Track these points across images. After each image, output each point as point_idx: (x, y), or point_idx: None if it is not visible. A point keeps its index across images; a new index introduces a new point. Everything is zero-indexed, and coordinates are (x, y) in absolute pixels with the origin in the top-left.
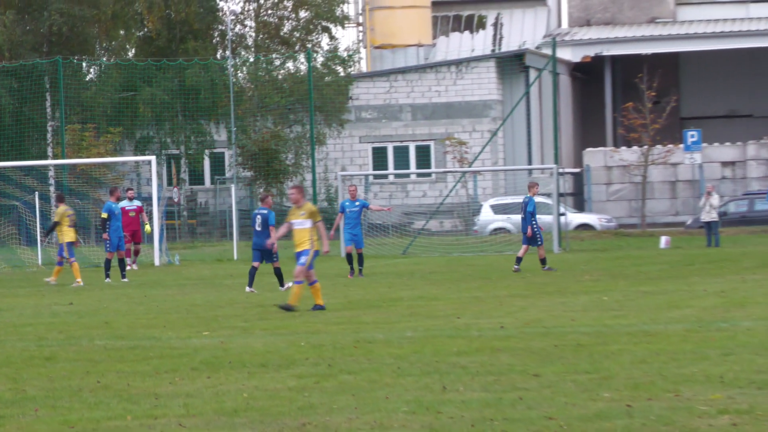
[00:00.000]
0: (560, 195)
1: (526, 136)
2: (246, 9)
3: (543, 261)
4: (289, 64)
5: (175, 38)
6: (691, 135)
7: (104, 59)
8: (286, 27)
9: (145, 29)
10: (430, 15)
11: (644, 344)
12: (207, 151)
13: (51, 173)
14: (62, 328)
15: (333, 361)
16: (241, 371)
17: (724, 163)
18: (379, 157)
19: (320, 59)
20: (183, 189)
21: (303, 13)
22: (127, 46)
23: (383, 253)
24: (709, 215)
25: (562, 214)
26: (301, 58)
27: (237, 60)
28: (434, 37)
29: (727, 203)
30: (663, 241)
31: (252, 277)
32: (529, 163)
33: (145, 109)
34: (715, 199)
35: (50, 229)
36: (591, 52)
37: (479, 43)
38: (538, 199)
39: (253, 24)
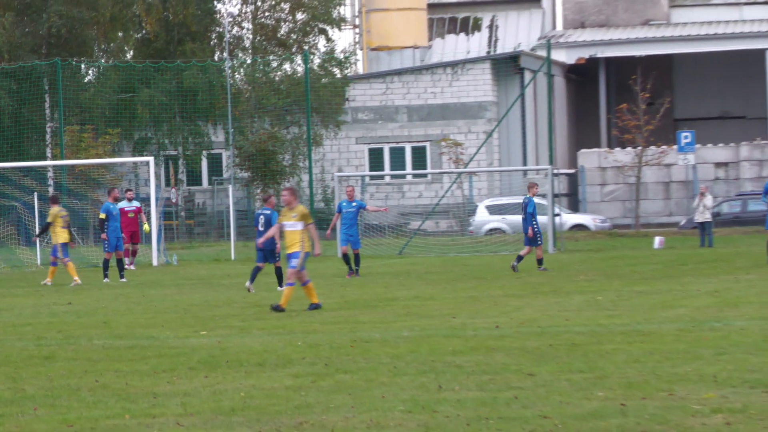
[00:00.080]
0: (555, 196)
1: (521, 137)
2: (243, 11)
3: (539, 261)
4: (286, 66)
5: (173, 40)
6: (685, 136)
7: (103, 61)
8: (283, 29)
9: (144, 31)
10: (426, 17)
11: (638, 344)
12: (205, 152)
13: (50, 174)
14: (61, 327)
15: (330, 360)
16: (239, 370)
17: (718, 164)
18: (376, 158)
19: (317, 61)
20: (181, 190)
21: (300, 16)
22: (126, 48)
23: (380, 253)
24: (703, 216)
25: (557, 215)
26: (298, 59)
27: (234, 62)
28: (430, 39)
29: (721, 204)
30: (657, 241)
31: (254, 274)
32: (524, 164)
33: (143, 111)
34: (708, 200)
35: (43, 229)
36: (585, 53)
37: (474, 45)
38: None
39: (251, 26)
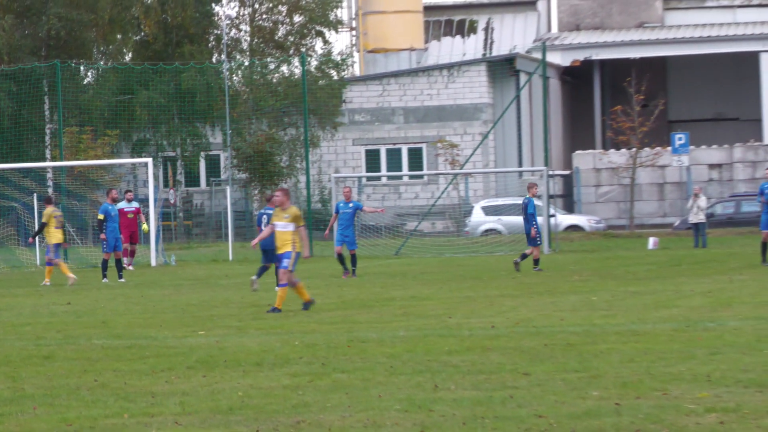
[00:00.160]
0: (550, 197)
1: (516, 139)
2: (241, 14)
3: (536, 261)
4: (284, 68)
5: (172, 42)
6: (679, 138)
7: (101, 63)
8: (281, 31)
9: (142, 33)
10: (423, 20)
11: (632, 343)
12: (203, 154)
13: (49, 175)
14: (60, 327)
15: (327, 360)
16: (237, 370)
17: (711, 166)
18: (372, 160)
19: (314, 63)
20: (179, 190)
21: (297, 18)
22: (124, 50)
23: (376, 253)
24: (697, 217)
25: (552, 216)
26: (296, 61)
27: (232, 64)
28: (426, 41)
29: (714, 205)
30: (651, 242)
31: (261, 271)
32: (520, 165)
33: (142, 112)
34: (702, 201)
35: (38, 230)
36: (580, 56)
37: (470, 47)
38: None
39: (248, 28)
